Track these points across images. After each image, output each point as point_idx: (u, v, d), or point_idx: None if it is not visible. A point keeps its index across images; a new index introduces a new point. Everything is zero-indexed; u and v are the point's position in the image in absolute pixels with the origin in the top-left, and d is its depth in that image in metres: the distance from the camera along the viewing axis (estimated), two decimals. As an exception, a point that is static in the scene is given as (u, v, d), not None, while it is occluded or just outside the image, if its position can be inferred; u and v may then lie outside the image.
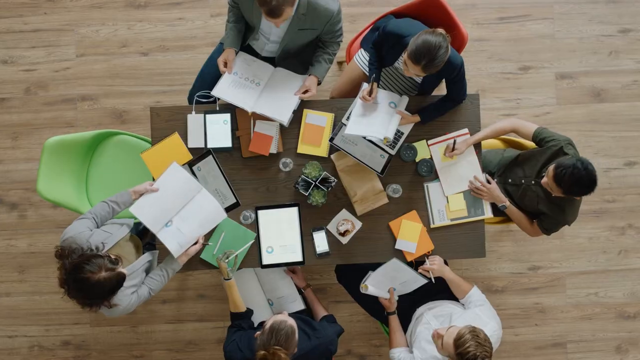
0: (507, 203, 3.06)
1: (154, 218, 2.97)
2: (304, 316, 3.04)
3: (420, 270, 3.04)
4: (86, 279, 2.51)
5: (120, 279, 2.60)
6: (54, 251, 2.68)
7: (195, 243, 2.99)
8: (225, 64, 3.10)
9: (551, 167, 2.77)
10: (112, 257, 2.65)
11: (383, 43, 3.01)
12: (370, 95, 2.98)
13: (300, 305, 3.25)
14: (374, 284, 3.05)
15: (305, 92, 3.11)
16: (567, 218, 2.96)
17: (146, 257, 2.93)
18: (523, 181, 3.04)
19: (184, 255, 2.97)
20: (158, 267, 2.99)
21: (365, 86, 3.04)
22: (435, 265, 3.02)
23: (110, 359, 3.88)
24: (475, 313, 2.88)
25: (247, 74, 3.15)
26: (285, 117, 3.07)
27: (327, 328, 2.96)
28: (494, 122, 3.20)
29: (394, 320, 3.08)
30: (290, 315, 3.18)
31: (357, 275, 3.23)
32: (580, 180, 2.69)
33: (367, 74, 3.17)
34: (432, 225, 3.13)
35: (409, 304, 3.11)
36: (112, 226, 2.91)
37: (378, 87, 3.07)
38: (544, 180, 2.81)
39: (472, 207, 3.12)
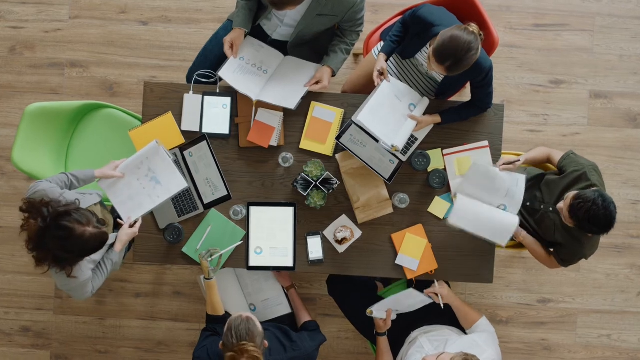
0: (521, 237, 3.06)
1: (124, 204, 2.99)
2: (284, 326, 3.04)
3: (428, 294, 3.04)
4: (72, 229, 2.51)
5: (103, 240, 2.62)
6: (22, 204, 2.62)
7: (132, 226, 2.92)
8: (232, 46, 3.08)
9: (571, 194, 2.76)
10: (99, 217, 2.67)
11: (409, 28, 2.99)
12: (380, 78, 2.97)
13: (286, 309, 3.25)
14: (380, 310, 3.06)
15: (317, 83, 3.09)
16: (585, 251, 2.95)
17: (112, 236, 2.91)
18: (542, 207, 3.04)
19: (117, 242, 2.91)
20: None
21: (381, 62, 3.01)
22: (445, 290, 3.02)
23: (72, 352, 3.87)
24: (473, 339, 2.87)
25: (255, 60, 3.14)
26: (292, 104, 3.05)
27: (307, 340, 2.96)
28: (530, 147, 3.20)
29: (383, 342, 3.08)
30: (272, 321, 3.19)
31: (351, 289, 3.22)
32: (595, 218, 2.68)
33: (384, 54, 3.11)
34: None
35: (403, 327, 3.10)
36: (81, 194, 2.90)
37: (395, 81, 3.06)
38: (560, 204, 2.81)
39: None
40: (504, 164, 2.98)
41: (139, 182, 2.99)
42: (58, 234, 2.52)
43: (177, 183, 3.00)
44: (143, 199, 2.99)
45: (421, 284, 3.15)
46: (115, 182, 2.97)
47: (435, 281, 3.06)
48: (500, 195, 3.01)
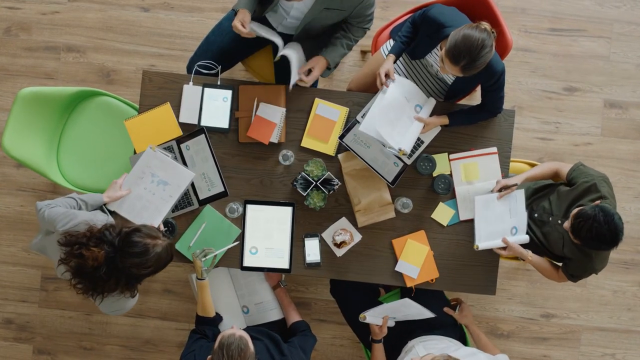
0: (529, 257, 3.06)
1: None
2: (276, 335, 3.01)
3: (446, 310, 3.13)
4: (146, 243, 2.57)
5: (172, 253, 2.69)
6: (60, 238, 2.64)
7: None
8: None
9: (573, 212, 2.76)
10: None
11: (419, 29, 2.98)
12: (386, 79, 2.94)
13: (279, 314, 3.25)
14: (374, 316, 3.06)
15: (309, 73, 3.07)
16: (595, 266, 2.95)
17: None
18: (550, 218, 3.03)
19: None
20: None
21: (389, 63, 2.99)
22: (467, 319, 3.12)
23: (56, 347, 3.86)
24: (473, 352, 2.85)
25: (262, 33, 3.12)
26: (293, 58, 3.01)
27: (298, 353, 2.93)
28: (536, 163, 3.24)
29: (379, 349, 3.08)
30: (264, 326, 3.19)
31: (353, 290, 3.22)
32: (599, 236, 2.67)
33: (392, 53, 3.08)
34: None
35: (401, 335, 3.10)
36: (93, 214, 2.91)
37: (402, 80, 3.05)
38: (565, 224, 2.83)
39: None
40: (501, 190, 3.01)
41: (147, 190, 3.01)
42: (134, 251, 2.56)
43: (184, 176, 3.02)
44: (158, 203, 3.02)
45: (420, 292, 3.14)
46: (124, 199, 3.00)
47: (461, 304, 3.17)
48: (506, 218, 3.05)
